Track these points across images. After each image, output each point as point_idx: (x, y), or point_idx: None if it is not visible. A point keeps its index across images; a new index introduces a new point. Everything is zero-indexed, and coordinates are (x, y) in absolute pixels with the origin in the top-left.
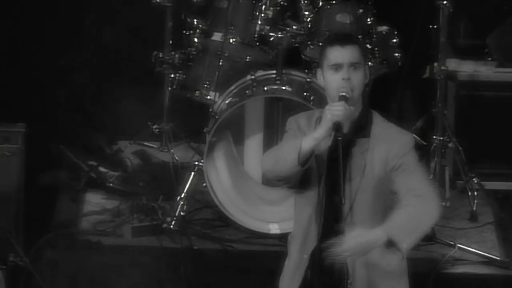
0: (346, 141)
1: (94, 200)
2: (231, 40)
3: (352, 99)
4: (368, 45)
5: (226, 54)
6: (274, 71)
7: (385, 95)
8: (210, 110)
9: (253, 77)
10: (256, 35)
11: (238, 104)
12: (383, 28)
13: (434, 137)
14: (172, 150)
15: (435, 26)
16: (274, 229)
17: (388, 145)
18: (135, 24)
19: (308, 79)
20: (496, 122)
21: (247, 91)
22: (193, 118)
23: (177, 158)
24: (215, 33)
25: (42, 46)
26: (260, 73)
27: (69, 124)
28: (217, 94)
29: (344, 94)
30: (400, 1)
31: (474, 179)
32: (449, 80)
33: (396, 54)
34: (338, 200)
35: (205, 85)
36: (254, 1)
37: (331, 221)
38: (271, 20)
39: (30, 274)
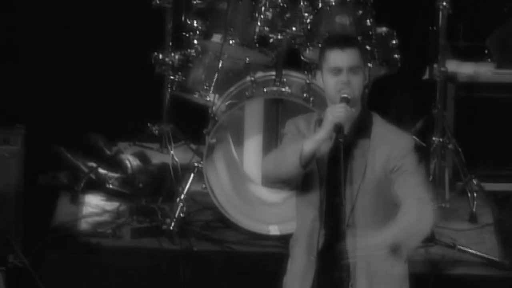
0: (347, 143)
1: (93, 202)
2: (230, 42)
3: (352, 101)
4: (367, 47)
5: (226, 56)
6: (274, 73)
7: (384, 97)
8: (210, 111)
9: (252, 78)
10: (255, 37)
11: (237, 105)
12: (383, 30)
13: (434, 138)
14: (171, 152)
15: (434, 28)
16: (274, 230)
17: (389, 146)
18: (135, 26)
19: (308, 81)
20: (495, 123)
21: (246, 93)
22: (192, 119)
23: (176, 159)
24: (215, 35)
25: (41, 47)
26: (259, 74)
27: (69, 126)
28: (217, 95)
29: (345, 95)
30: (399, 2)
31: (473, 181)
32: (449, 82)
33: (396, 56)
34: (339, 202)
35: (205, 87)
36: (253, 3)
37: (333, 223)
38: (271, 21)
39: (30, 276)
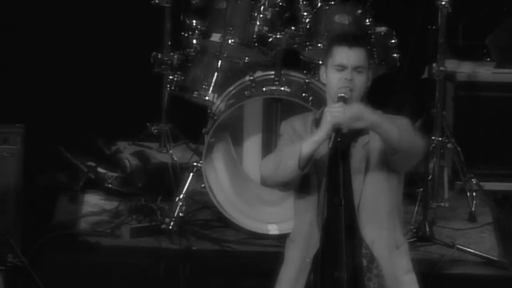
0: (346, 141)
1: (92, 201)
2: (229, 41)
3: (351, 100)
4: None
5: (225, 55)
6: (273, 72)
7: (383, 96)
8: (209, 111)
9: (251, 78)
10: (254, 36)
11: (236, 104)
12: (382, 29)
13: (433, 137)
14: (170, 151)
15: (433, 27)
16: (273, 229)
17: None
18: (133, 25)
19: (307, 80)
20: (494, 122)
21: (245, 92)
22: (191, 119)
23: (175, 159)
24: (214, 34)
25: (40, 47)
26: (258, 74)
27: (68, 125)
28: (216, 95)
29: (342, 95)
30: (399, 1)
31: (473, 180)
32: (448, 81)
33: (395, 55)
34: (338, 201)
35: (204, 86)
36: (252, 2)
37: (332, 223)
38: (270, 21)
39: (29, 275)
